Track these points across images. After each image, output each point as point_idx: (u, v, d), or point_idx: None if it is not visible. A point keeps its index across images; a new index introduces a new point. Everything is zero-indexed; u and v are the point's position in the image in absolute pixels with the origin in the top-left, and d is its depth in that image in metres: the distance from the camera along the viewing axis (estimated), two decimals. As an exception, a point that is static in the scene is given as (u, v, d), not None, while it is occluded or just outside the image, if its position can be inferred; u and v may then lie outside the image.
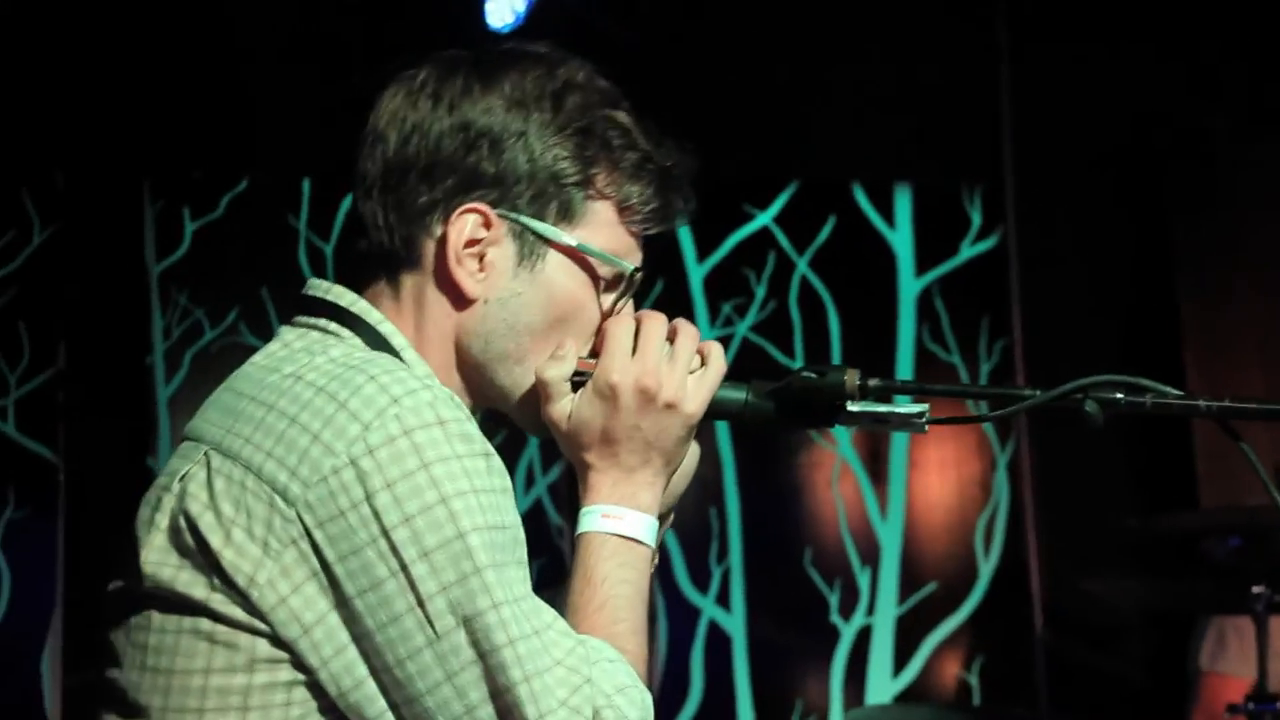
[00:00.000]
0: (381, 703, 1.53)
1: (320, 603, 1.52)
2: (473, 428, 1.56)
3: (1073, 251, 5.35)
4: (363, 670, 1.53)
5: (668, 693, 5.04)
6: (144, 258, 4.90)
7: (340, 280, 1.73)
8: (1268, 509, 3.66)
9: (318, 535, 1.52)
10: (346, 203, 5.73)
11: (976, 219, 5.34)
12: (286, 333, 1.71)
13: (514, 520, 1.57)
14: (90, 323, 4.81)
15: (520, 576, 1.55)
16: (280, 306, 4.93)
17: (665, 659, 5.05)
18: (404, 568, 1.51)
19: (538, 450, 5.00)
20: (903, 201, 5.33)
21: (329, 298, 1.72)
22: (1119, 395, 1.67)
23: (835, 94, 5.14)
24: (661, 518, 1.78)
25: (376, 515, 1.51)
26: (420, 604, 1.51)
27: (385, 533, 1.51)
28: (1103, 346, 5.26)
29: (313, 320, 1.70)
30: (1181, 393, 1.69)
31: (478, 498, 1.53)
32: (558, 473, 4.98)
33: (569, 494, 4.90)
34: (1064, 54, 5.23)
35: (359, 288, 1.72)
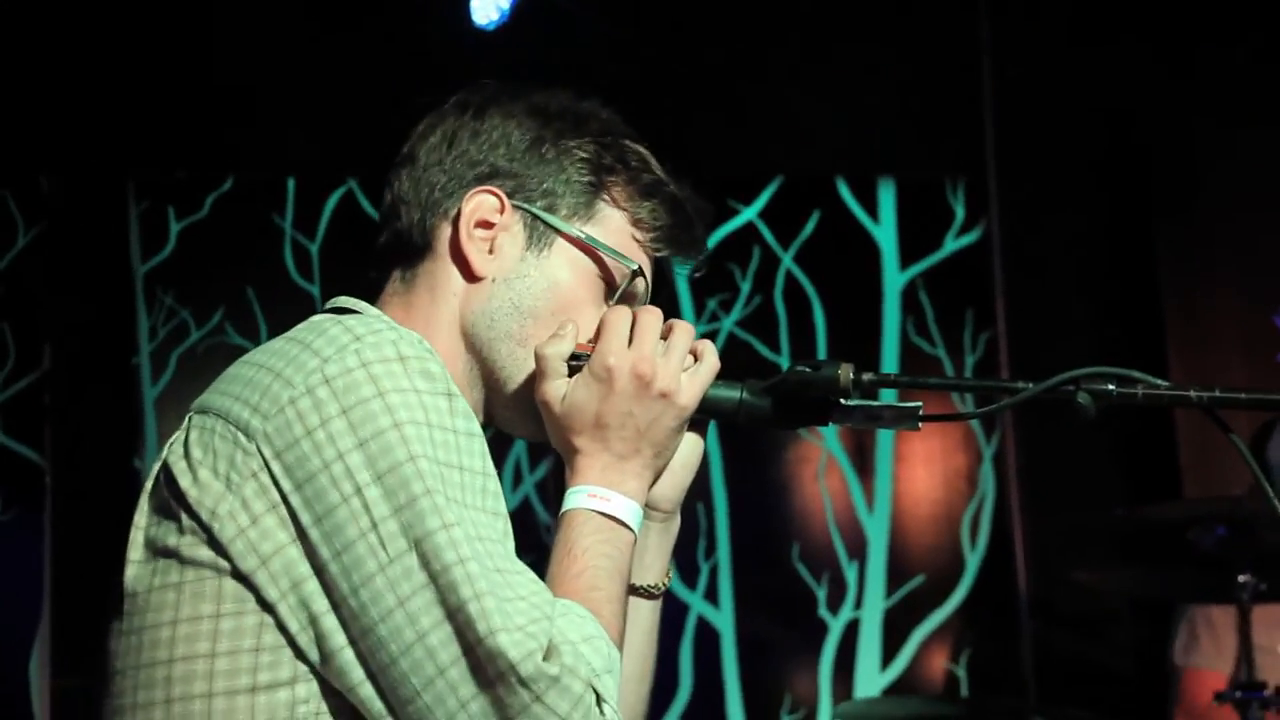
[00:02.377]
0: (341, 638, 1.52)
1: (279, 535, 1.53)
2: (435, 367, 1.57)
3: (1056, 243, 5.37)
4: (320, 606, 1.52)
5: (656, 688, 5.03)
6: (129, 258, 4.89)
7: (354, 290, 1.79)
8: (1253, 498, 3.68)
9: (275, 466, 1.53)
10: (332, 201, 5.69)
11: (960, 212, 5.35)
12: None
13: (481, 466, 1.56)
14: (76, 324, 4.80)
15: (490, 524, 1.54)
16: (266, 306, 4.92)
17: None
18: (358, 491, 1.51)
19: (525, 449, 5.01)
20: (886, 195, 5.34)
21: (335, 304, 1.77)
22: (1111, 387, 1.68)
23: (819, 89, 5.15)
24: (666, 518, 1.79)
25: (331, 440, 1.52)
26: (374, 527, 1.50)
27: (340, 456, 1.51)
28: (1086, 339, 5.28)
29: None
30: (1171, 384, 1.70)
31: (431, 431, 1.53)
32: (544, 471, 4.98)
33: (556, 492, 4.90)
34: (1047, 45, 5.25)
35: (374, 295, 1.78)
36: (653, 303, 1.80)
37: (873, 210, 5.33)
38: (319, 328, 1.59)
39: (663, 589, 1.83)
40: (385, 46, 4.73)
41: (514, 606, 1.49)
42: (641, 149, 1.79)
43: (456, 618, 1.48)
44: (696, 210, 1.80)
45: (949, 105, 5.32)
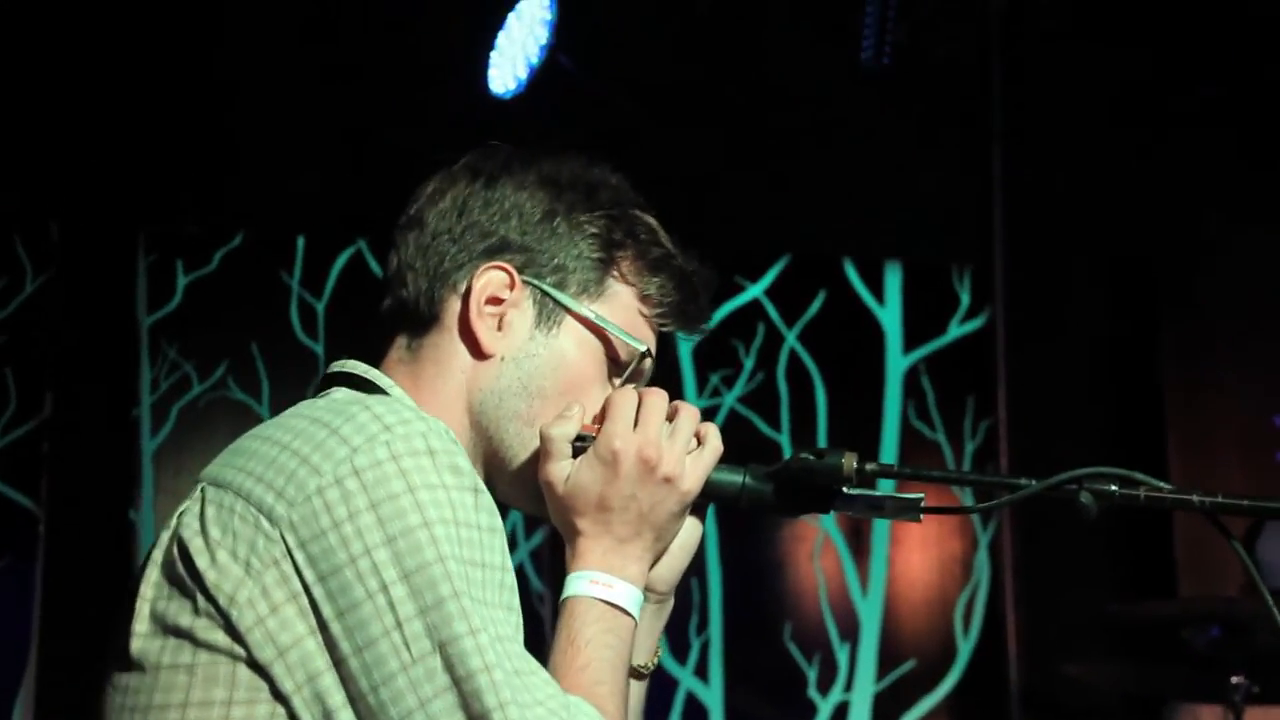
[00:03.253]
0: None
1: (298, 626, 1.51)
2: (463, 461, 1.56)
3: (1059, 334, 5.38)
4: (336, 700, 1.51)
5: (643, 763, 5.01)
6: (135, 309, 4.90)
7: (355, 353, 1.77)
8: (1248, 600, 3.68)
9: (299, 556, 1.51)
10: (340, 261, 5.70)
11: (965, 298, 5.37)
12: (301, 403, 1.73)
13: (500, 562, 1.55)
14: (79, 373, 4.80)
15: (507, 620, 1.53)
16: (270, 362, 4.93)
17: (641, 729, 5.02)
18: (384, 588, 1.50)
19: (521, 515, 4.99)
20: (893, 279, 5.36)
21: (344, 369, 1.76)
22: (1114, 487, 1.68)
23: (829, 170, 5.18)
24: (660, 601, 1.78)
25: (359, 534, 1.50)
26: (398, 626, 1.49)
27: (367, 551, 1.50)
28: (1086, 430, 5.27)
29: (326, 390, 1.74)
30: (1174, 487, 1.69)
31: (458, 529, 1.52)
32: (540, 539, 4.97)
33: (550, 560, 4.89)
34: (1057, 137, 5.28)
35: (378, 359, 1.76)
36: (654, 371, 1.80)
37: (878, 293, 5.35)
38: (346, 412, 1.57)
39: (652, 669, 1.82)
40: (402, 111, 4.76)
41: (535, 714, 1.49)
42: (650, 220, 1.78)
43: None
44: (703, 282, 1.80)
45: (959, 192, 5.35)
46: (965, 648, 5.24)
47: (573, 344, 1.73)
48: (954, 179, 5.34)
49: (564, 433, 1.70)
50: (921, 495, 1.71)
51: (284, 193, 4.89)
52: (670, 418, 1.72)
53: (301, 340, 5.00)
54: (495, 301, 1.72)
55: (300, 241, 5.04)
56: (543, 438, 1.70)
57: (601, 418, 1.71)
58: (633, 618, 1.68)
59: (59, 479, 4.74)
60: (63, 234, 4.82)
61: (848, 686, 5.17)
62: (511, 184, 1.75)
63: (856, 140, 5.20)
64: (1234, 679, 3.79)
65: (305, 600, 1.51)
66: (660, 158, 4.79)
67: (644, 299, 1.77)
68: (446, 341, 1.73)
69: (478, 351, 1.72)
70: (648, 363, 1.77)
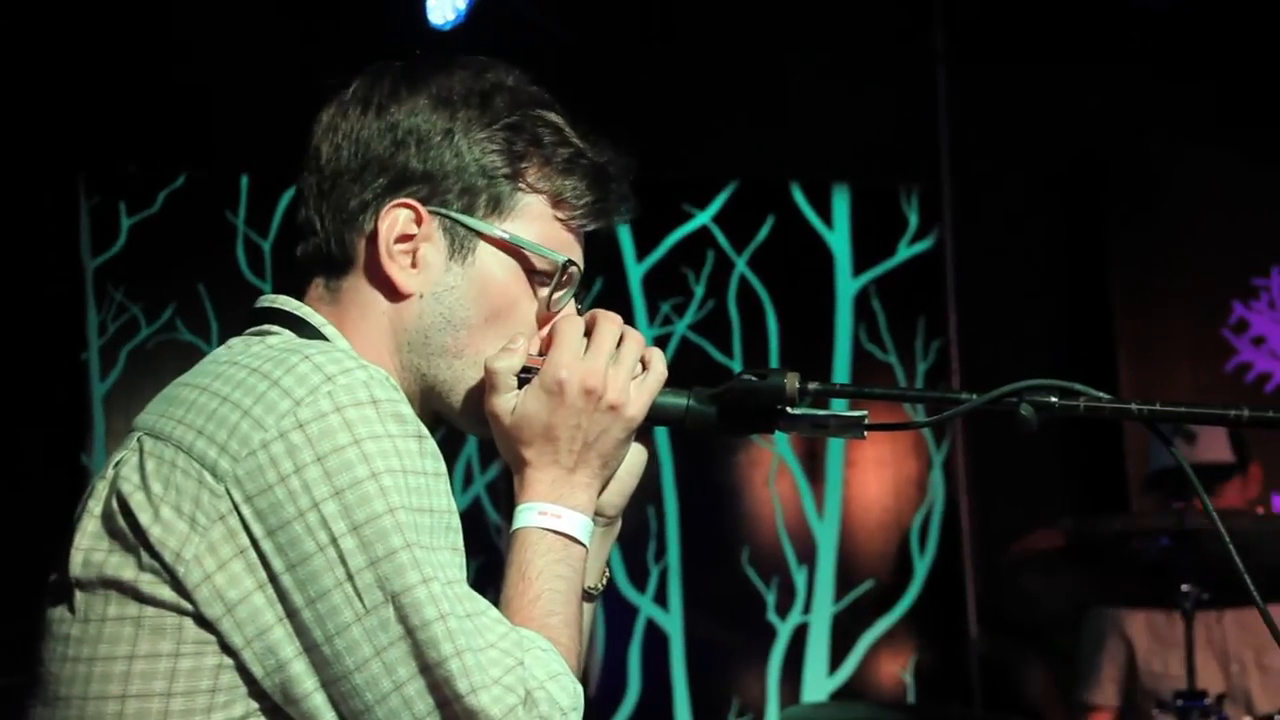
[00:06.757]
0: (308, 684, 1.51)
1: (245, 581, 1.50)
2: (406, 409, 1.55)
3: (1009, 252, 5.41)
4: (288, 651, 1.51)
5: (605, 690, 5.06)
6: (79, 253, 4.86)
7: (285, 291, 1.75)
8: (1196, 511, 3.74)
9: (245, 510, 1.50)
10: (285, 199, 5.65)
11: (914, 220, 5.38)
12: (232, 340, 1.71)
13: (446, 505, 1.55)
14: (24, 319, 4.76)
15: (453, 562, 1.54)
16: (218, 303, 4.89)
17: (603, 657, 5.06)
18: (333, 541, 1.49)
19: (476, 449, 5.00)
20: (840, 202, 5.36)
21: (274, 305, 1.73)
22: (1053, 399, 1.69)
23: (775, 94, 5.17)
24: (609, 524, 1.79)
25: (306, 488, 1.49)
26: (349, 578, 1.49)
27: (315, 505, 1.49)
28: (1037, 347, 5.31)
29: (257, 328, 1.71)
30: (1113, 397, 1.71)
31: (406, 478, 1.52)
32: (496, 471, 4.98)
33: (507, 492, 4.89)
34: (1002, 58, 5.29)
35: (301, 295, 1.74)
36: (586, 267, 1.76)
37: (827, 216, 5.35)
38: (285, 362, 1.55)
39: (600, 590, 1.83)
40: (340, 45, 4.70)
41: (488, 657, 1.50)
42: (553, 118, 1.73)
43: (435, 672, 1.49)
44: (620, 171, 1.75)
45: (904, 113, 5.35)
46: (922, 566, 5.29)
47: (492, 267, 1.70)
48: (899, 100, 5.34)
49: (508, 365, 1.68)
50: (865, 412, 1.72)
51: (225, 131, 4.84)
52: (617, 345, 1.71)
53: (249, 280, 4.96)
54: (405, 239, 1.68)
55: (244, 180, 5.00)
56: (487, 371, 1.69)
57: (548, 346, 1.70)
58: (583, 546, 1.68)
59: (9, 426, 4.71)
60: (2, 178, 4.76)
61: (806, 609, 5.22)
62: (403, 109, 1.69)
63: (800, 64, 5.19)
64: (1184, 587, 3.86)
65: (254, 555, 1.51)
66: (603, 86, 4.77)
67: (558, 204, 1.72)
68: (364, 286, 1.70)
69: (395, 293, 1.69)
70: (574, 270, 1.74)
